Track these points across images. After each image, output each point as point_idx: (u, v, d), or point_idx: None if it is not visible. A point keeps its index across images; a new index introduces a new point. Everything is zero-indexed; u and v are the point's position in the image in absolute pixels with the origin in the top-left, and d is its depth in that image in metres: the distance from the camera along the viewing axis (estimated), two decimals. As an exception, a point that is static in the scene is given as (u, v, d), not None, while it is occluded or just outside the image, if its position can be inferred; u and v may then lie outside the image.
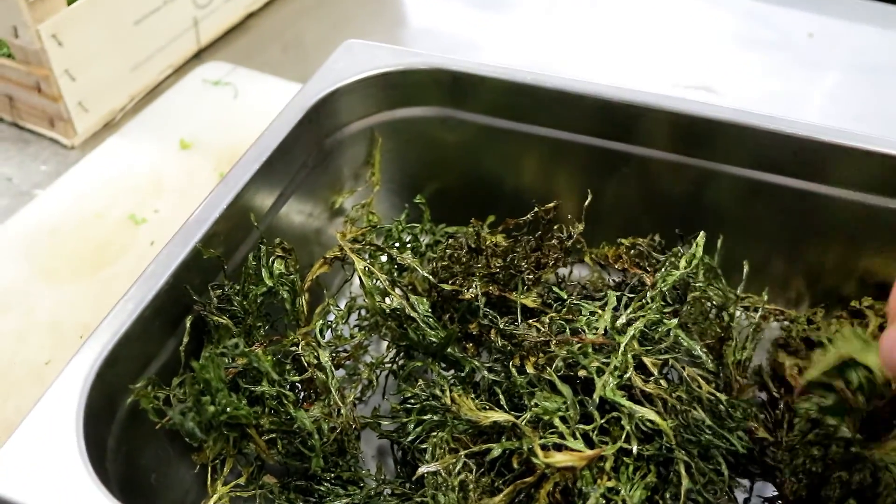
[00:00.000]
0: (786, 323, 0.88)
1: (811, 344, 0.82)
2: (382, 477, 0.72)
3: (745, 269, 0.80)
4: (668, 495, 0.64)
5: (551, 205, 0.78)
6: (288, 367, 0.70)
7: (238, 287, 0.72)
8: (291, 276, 0.74)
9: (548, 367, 0.67)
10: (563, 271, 0.82)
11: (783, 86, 1.24)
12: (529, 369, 0.68)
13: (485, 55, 1.29)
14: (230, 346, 0.65)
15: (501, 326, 0.72)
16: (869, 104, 1.20)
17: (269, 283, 0.73)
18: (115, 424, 0.63)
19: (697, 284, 0.77)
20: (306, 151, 0.83)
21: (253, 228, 0.76)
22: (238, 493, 0.69)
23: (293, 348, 0.71)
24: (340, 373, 0.77)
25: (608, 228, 0.85)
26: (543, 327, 0.71)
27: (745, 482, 0.72)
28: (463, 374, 0.73)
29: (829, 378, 0.73)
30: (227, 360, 0.66)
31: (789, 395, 0.80)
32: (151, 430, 0.65)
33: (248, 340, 0.70)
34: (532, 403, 0.65)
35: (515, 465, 0.64)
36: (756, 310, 0.81)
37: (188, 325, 0.68)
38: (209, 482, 0.69)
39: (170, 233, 0.70)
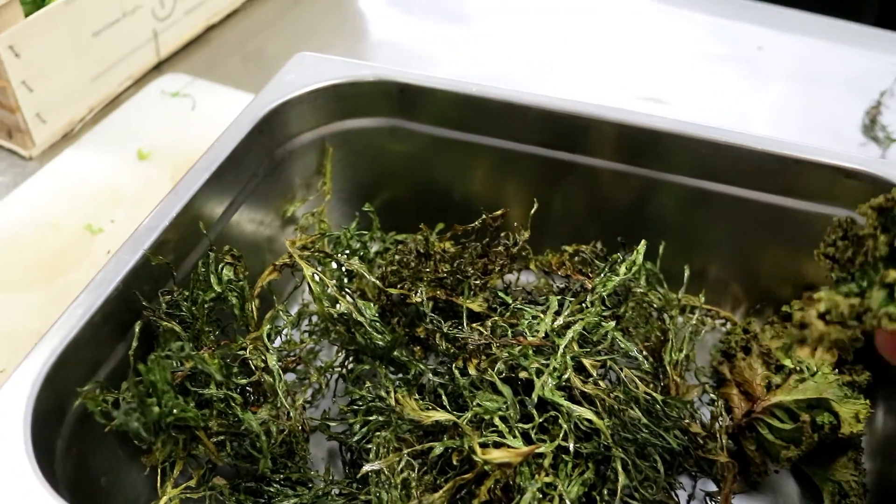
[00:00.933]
0: (728, 325, 0.91)
1: (748, 351, 0.85)
2: (330, 478, 0.74)
3: (686, 273, 0.82)
4: (605, 492, 0.66)
5: (499, 212, 0.80)
6: (236, 370, 0.71)
7: (187, 293, 0.73)
8: (241, 283, 0.76)
9: (489, 369, 0.69)
10: (509, 278, 0.84)
11: (733, 97, 1.26)
12: (472, 371, 0.70)
13: (443, 68, 1.31)
14: (175, 348, 0.67)
15: (446, 330, 0.74)
16: (815, 115, 1.22)
17: (218, 288, 0.74)
18: (65, 427, 0.65)
19: (638, 290, 0.79)
20: (257, 161, 0.85)
21: (202, 236, 0.78)
22: (188, 496, 0.70)
23: (241, 352, 0.72)
24: (291, 377, 0.79)
25: (555, 236, 0.87)
26: (486, 331, 0.73)
27: (687, 480, 0.75)
28: (409, 377, 0.74)
29: (797, 408, 0.76)
30: (174, 364, 0.67)
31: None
32: (101, 434, 0.66)
33: (196, 345, 0.71)
34: (474, 404, 0.67)
35: (455, 462, 0.66)
36: (693, 311, 0.84)
37: (137, 330, 0.70)
38: (159, 484, 0.70)
39: (126, 242, 0.72)
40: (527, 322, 0.73)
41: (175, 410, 0.64)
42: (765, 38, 1.38)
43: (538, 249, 0.83)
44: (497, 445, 0.65)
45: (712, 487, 0.76)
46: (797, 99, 1.26)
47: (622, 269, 0.76)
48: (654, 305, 0.82)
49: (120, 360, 0.70)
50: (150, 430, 0.64)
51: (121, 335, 0.70)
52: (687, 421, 0.73)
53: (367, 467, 0.67)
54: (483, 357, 0.71)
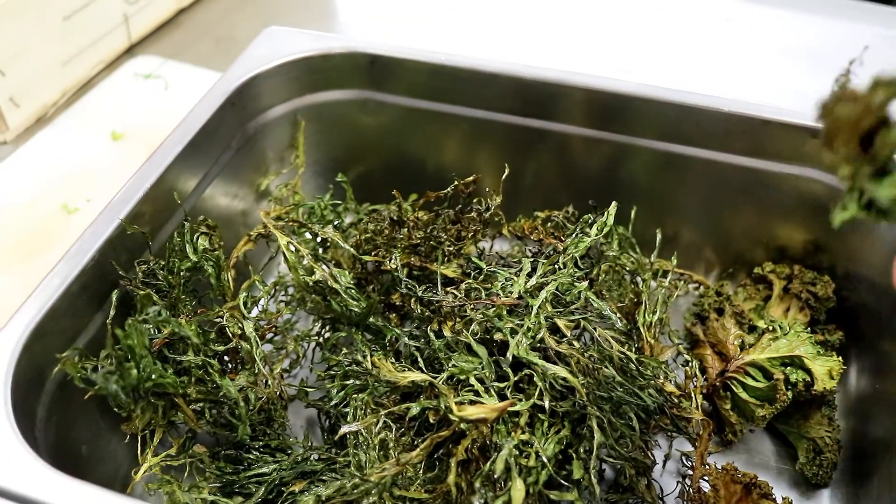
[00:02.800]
0: (701, 289, 0.92)
1: (721, 312, 0.86)
2: (309, 444, 0.74)
3: (658, 237, 0.83)
4: (581, 450, 0.67)
5: (470, 178, 0.81)
6: (213, 337, 0.72)
7: (163, 263, 0.74)
8: (216, 252, 0.76)
9: (465, 331, 0.70)
10: (483, 245, 0.85)
11: (701, 68, 1.27)
12: (447, 333, 0.71)
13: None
14: (153, 313, 0.67)
15: (420, 293, 0.75)
16: (783, 84, 1.23)
17: (194, 258, 0.74)
18: (45, 395, 0.65)
19: (610, 253, 0.80)
20: (230, 134, 0.85)
21: (177, 209, 0.78)
22: (169, 463, 0.71)
23: (218, 320, 0.73)
24: (268, 348, 0.80)
25: (528, 203, 0.88)
26: (461, 294, 0.73)
27: (664, 441, 0.76)
28: (385, 342, 0.75)
29: (771, 366, 0.77)
30: (151, 331, 0.68)
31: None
32: (81, 402, 0.67)
33: (173, 313, 0.72)
34: (449, 365, 0.68)
35: (433, 422, 0.67)
36: (666, 275, 0.84)
37: (115, 298, 0.70)
38: (139, 453, 0.70)
39: (103, 221, 0.72)
40: (500, 284, 0.74)
41: (154, 376, 0.65)
42: (733, 10, 1.39)
43: (511, 217, 0.84)
44: (472, 404, 0.66)
45: (688, 447, 0.77)
46: (766, 68, 1.27)
47: (593, 231, 0.77)
48: (627, 269, 0.83)
49: (97, 330, 0.70)
50: (129, 395, 0.65)
51: (98, 305, 0.71)
52: (662, 381, 0.73)
53: (344, 428, 0.68)
54: (458, 319, 0.72)
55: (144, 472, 0.69)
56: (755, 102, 0.83)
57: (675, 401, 0.74)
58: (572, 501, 0.63)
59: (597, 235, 0.76)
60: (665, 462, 0.77)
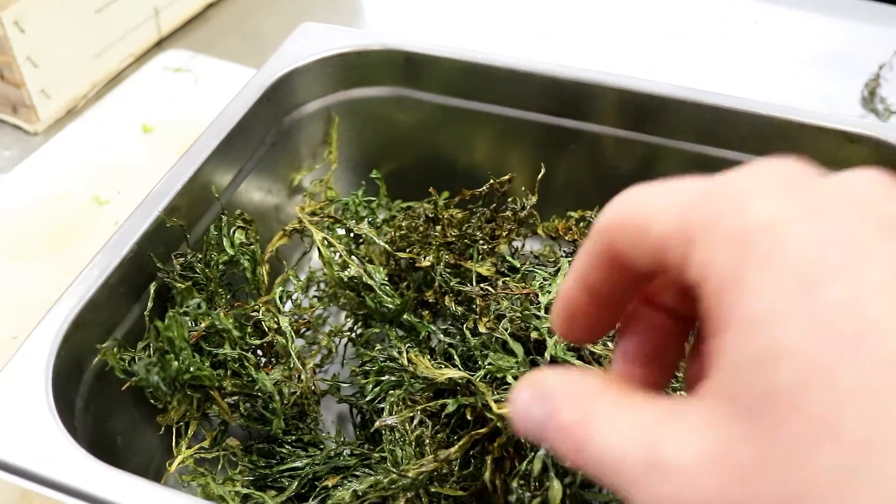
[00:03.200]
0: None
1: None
2: (342, 439, 0.74)
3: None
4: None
5: (506, 177, 0.81)
6: (249, 331, 0.72)
7: (200, 255, 0.74)
8: (252, 246, 0.76)
9: (499, 327, 0.70)
10: (516, 244, 0.85)
11: (729, 71, 1.27)
12: (482, 329, 0.71)
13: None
14: (192, 305, 0.68)
15: (453, 285, 0.75)
16: (813, 88, 1.23)
17: (231, 251, 0.75)
18: (83, 386, 0.65)
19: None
20: (265, 129, 0.85)
21: (213, 203, 0.78)
22: (202, 455, 0.71)
23: (254, 314, 0.73)
24: (301, 342, 0.80)
25: (559, 203, 0.88)
26: (496, 289, 0.74)
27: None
28: (419, 340, 0.75)
29: None
30: (189, 323, 0.68)
31: None
32: (117, 394, 0.67)
33: (210, 306, 0.72)
34: (486, 363, 0.68)
35: (469, 418, 0.67)
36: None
37: (152, 291, 0.70)
38: (174, 445, 0.71)
39: (134, 213, 0.72)
40: (538, 284, 0.74)
41: (192, 368, 0.65)
42: (761, 12, 1.39)
43: (543, 216, 0.84)
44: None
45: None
46: (795, 72, 1.27)
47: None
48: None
49: (134, 323, 0.71)
50: (169, 386, 0.65)
51: (135, 297, 0.71)
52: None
53: (380, 422, 0.68)
54: (492, 316, 0.72)
55: (178, 465, 0.70)
56: (792, 106, 0.83)
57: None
58: (608, 501, 0.64)
59: (634, 236, 0.76)
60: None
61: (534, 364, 0.69)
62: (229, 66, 1.24)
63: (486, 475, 0.64)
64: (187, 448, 0.71)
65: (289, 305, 0.80)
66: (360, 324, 0.80)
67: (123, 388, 0.66)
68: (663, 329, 0.41)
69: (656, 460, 0.31)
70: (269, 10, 1.40)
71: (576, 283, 0.40)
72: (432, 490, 0.65)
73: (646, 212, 0.35)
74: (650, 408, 0.33)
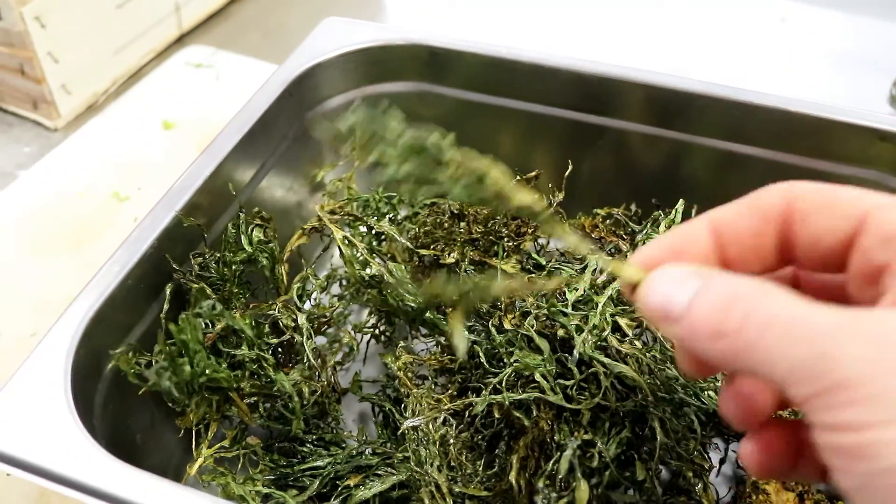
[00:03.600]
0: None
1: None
2: (364, 437, 0.74)
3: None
4: (643, 451, 0.66)
5: (533, 173, 0.80)
6: (266, 330, 0.71)
7: (218, 255, 0.73)
8: (270, 244, 0.76)
9: (524, 323, 0.69)
10: (541, 241, 0.84)
11: (756, 69, 1.26)
12: (507, 325, 0.70)
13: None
14: (206, 307, 0.67)
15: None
16: (839, 86, 1.22)
17: (249, 249, 0.74)
18: (102, 383, 0.65)
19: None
20: (287, 124, 0.85)
21: (234, 199, 0.77)
22: (222, 454, 0.70)
23: (272, 313, 0.72)
24: (322, 340, 0.79)
25: (584, 200, 0.87)
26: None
27: (719, 442, 0.74)
28: (442, 339, 0.74)
29: None
30: (205, 324, 0.67)
31: None
32: (136, 393, 0.66)
33: (227, 307, 0.71)
34: (512, 360, 0.67)
35: (496, 415, 0.66)
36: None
37: (168, 292, 0.70)
38: (194, 447, 0.70)
39: (154, 210, 0.72)
40: (565, 280, 0.73)
41: (207, 370, 0.64)
42: (788, 10, 1.37)
43: (569, 213, 0.83)
44: (537, 403, 0.65)
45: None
46: (821, 70, 1.26)
47: (661, 228, 0.75)
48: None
49: (153, 321, 0.70)
50: (183, 390, 0.64)
51: (154, 295, 0.70)
52: (721, 382, 0.72)
53: (407, 423, 0.67)
54: (517, 313, 0.71)
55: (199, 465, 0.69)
56: (822, 103, 0.81)
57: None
58: (635, 502, 0.62)
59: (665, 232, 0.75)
60: (721, 465, 0.75)
61: (559, 362, 0.68)
62: (251, 61, 1.23)
63: (512, 475, 0.63)
64: (207, 447, 0.70)
65: (309, 304, 0.79)
66: (383, 320, 0.80)
67: (139, 393, 0.65)
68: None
69: (832, 372, 0.34)
70: (292, 6, 1.39)
71: (705, 222, 0.45)
72: (456, 490, 0.64)
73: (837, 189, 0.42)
74: (822, 317, 0.35)
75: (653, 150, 0.88)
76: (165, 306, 0.69)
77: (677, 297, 0.40)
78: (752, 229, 0.44)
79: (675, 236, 0.45)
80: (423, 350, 0.77)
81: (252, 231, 0.75)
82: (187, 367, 0.63)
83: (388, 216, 0.82)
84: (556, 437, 0.64)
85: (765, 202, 0.44)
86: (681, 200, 0.77)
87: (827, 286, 0.47)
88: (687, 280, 0.40)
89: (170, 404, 0.66)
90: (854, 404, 0.33)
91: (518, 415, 0.63)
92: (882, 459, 0.32)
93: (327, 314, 0.78)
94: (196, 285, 0.70)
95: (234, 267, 0.73)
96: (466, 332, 0.72)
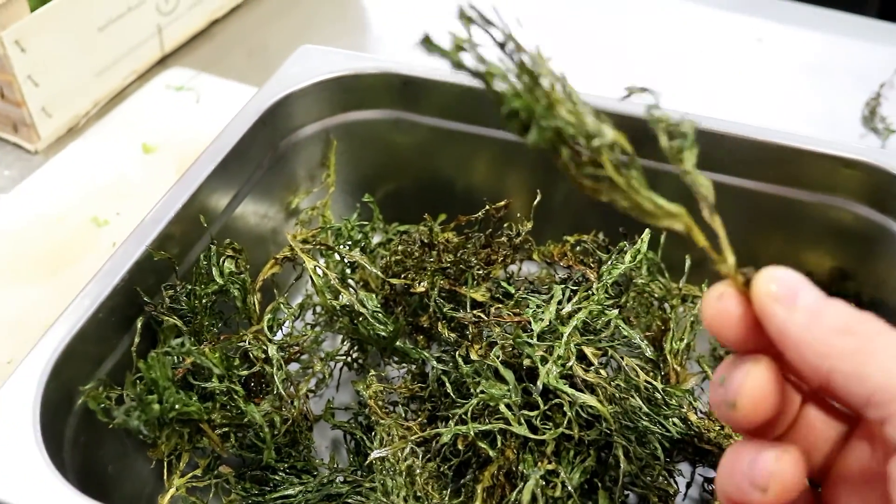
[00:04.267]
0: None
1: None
2: (335, 466, 0.74)
3: (687, 263, 0.82)
4: (607, 478, 0.67)
5: (502, 203, 0.80)
6: (237, 362, 0.72)
7: (189, 287, 0.74)
8: (242, 275, 0.76)
9: (490, 354, 0.70)
10: (512, 268, 0.85)
11: (732, 89, 1.27)
12: (473, 356, 0.71)
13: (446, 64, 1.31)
14: (176, 345, 0.68)
15: (446, 311, 0.75)
16: (815, 106, 1.23)
17: (220, 281, 0.75)
18: (72, 416, 0.65)
19: (639, 281, 0.80)
20: (262, 153, 0.86)
21: (207, 229, 0.78)
22: (195, 484, 0.71)
23: (242, 344, 0.73)
24: (295, 367, 0.80)
25: (557, 227, 0.88)
26: (488, 316, 0.74)
27: (686, 467, 0.75)
28: (413, 366, 0.75)
29: None
30: (174, 360, 0.68)
31: None
32: (107, 425, 0.67)
33: (198, 339, 0.72)
34: (478, 391, 0.68)
35: (460, 447, 0.67)
36: (695, 301, 0.84)
37: (139, 326, 0.71)
38: (165, 476, 0.71)
39: (132, 235, 0.72)
40: (531, 311, 0.74)
41: (177, 406, 0.65)
42: (764, 30, 1.39)
43: (539, 240, 0.84)
44: (502, 433, 0.66)
45: (711, 473, 0.76)
46: (797, 91, 1.27)
47: (627, 259, 0.76)
48: (656, 295, 0.83)
49: (124, 354, 0.71)
50: (153, 427, 0.65)
51: (126, 328, 0.71)
52: (685, 409, 0.73)
53: (374, 454, 0.68)
54: (484, 343, 0.72)
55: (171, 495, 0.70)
56: (787, 131, 0.83)
57: (698, 430, 0.74)
58: (598, 534, 0.64)
59: (630, 263, 0.76)
60: (688, 489, 0.76)
61: (525, 392, 0.69)
62: (232, 84, 1.24)
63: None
64: (180, 476, 0.71)
65: (281, 333, 0.80)
66: (355, 347, 0.81)
67: (109, 427, 0.66)
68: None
69: None
70: (275, 27, 1.40)
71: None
72: (422, 520, 0.65)
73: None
74: None
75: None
76: (136, 339, 0.70)
77: (806, 289, 0.42)
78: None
79: None
80: (395, 377, 0.78)
81: (223, 263, 0.76)
82: (156, 406, 0.64)
83: (360, 245, 0.83)
84: (520, 468, 0.65)
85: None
86: (647, 230, 0.78)
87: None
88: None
89: (140, 437, 0.67)
90: None
91: (483, 445, 0.64)
92: None
93: (299, 342, 0.79)
94: (167, 318, 0.71)
95: (204, 299, 0.74)
96: (434, 362, 0.73)
